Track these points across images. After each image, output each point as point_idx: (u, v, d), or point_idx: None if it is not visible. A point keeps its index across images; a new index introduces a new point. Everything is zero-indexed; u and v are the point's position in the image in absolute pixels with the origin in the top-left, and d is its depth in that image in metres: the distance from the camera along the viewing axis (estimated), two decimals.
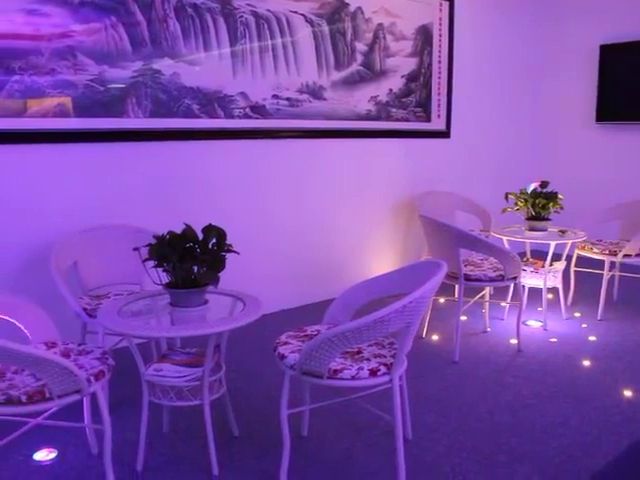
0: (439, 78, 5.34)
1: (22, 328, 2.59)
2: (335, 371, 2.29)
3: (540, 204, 4.26)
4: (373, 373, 2.31)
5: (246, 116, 4.21)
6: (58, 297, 3.04)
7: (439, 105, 5.37)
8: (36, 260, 3.43)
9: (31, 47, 3.34)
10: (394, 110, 5.06)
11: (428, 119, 5.32)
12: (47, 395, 2.16)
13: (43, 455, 2.67)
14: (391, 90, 5.01)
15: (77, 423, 2.61)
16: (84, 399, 2.51)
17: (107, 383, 2.40)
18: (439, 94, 5.34)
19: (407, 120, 5.16)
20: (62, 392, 2.18)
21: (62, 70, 3.45)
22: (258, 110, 4.27)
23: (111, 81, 3.63)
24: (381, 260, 5.22)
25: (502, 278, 3.74)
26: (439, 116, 5.39)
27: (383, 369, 2.33)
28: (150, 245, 2.49)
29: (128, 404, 3.05)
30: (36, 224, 3.49)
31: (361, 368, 2.31)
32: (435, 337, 4.09)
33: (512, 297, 4.36)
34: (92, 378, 2.25)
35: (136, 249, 2.59)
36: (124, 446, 2.70)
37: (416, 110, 5.22)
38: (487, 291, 4.32)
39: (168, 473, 2.54)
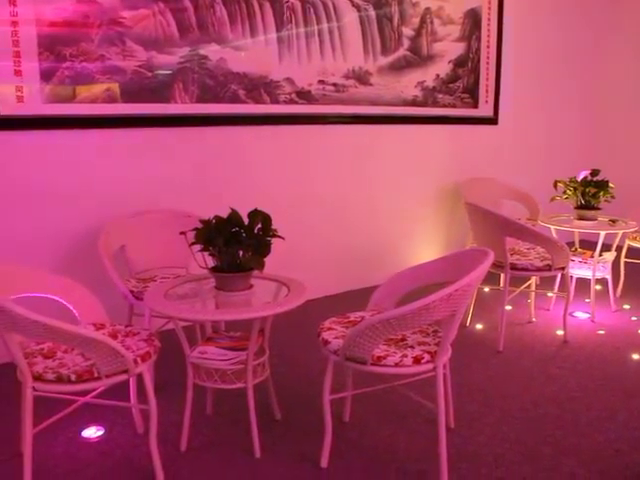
0: (487, 63, 5.23)
1: (72, 309, 2.65)
2: (379, 358, 2.28)
3: (590, 193, 4.15)
4: (417, 361, 2.30)
5: (292, 101, 4.21)
6: (106, 280, 3.10)
7: (487, 91, 5.26)
8: (85, 243, 3.51)
9: (81, 34, 3.40)
10: (441, 96, 4.99)
11: (475, 105, 5.23)
12: (95, 374, 2.21)
13: (91, 432, 2.74)
14: (438, 75, 4.94)
15: (124, 403, 2.67)
16: (130, 379, 2.57)
17: (153, 364, 2.44)
18: (487, 80, 5.24)
19: (454, 106, 5.08)
20: (110, 372, 2.23)
21: (111, 56, 3.50)
22: (304, 95, 4.26)
23: (159, 67, 3.66)
24: (425, 248, 5.18)
25: (549, 268, 3.67)
26: (487, 102, 5.29)
27: (427, 357, 2.31)
28: (196, 229, 2.52)
29: (173, 386, 3.10)
30: (85, 208, 3.57)
31: (405, 355, 2.30)
32: (479, 326, 4.05)
33: (559, 287, 4.27)
34: (139, 359, 2.29)
35: (183, 233, 2.62)
36: (169, 426, 2.75)
37: (463, 96, 5.13)
38: (533, 281, 4.24)
39: (211, 454, 2.58)
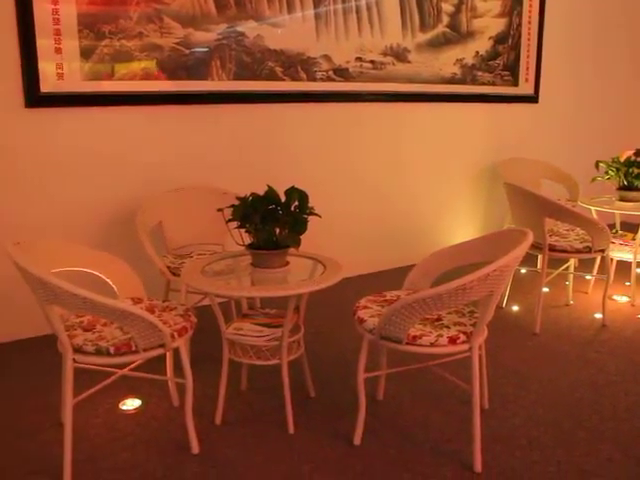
0: (529, 40, 5.11)
1: (110, 283, 2.69)
2: (414, 337, 2.27)
3: (633, 173, 4.05)
4: (452, 341, 2.28)
5: (329, 79, 4.18)
6: (143, 255, 3.13)
7: (527, 68, 5.15)
8: (123, 219, 3.55)
9: (120, 11, 3.41)
10: (480, 73, 4.90)
11: (515, 83, 5.12)
12: (133, 348, 2.25)
13: (128, 404, 2.80)
14: (478, 53, 4.85)
15: (160, 376, 2.71)
16: (167, 353, 2.61)
17: (189, 339, 2.47)
18: (528, 57, 5.12)
19: (493, 84, 4.98)
20: (147, 346, 2.27)
21: (149, 33, 3.51)
22: (341, 73, 4.22)
23: (196, 44, 3.66)
24: (461, 228, 5.13)
25: (589, 250, 3.60)
26: (527, 80, 5.17)
27: (463, 337, 2.30)
28: (233, 206, 2.52)
29: (208, 361, 3.14)
30: (123, 184, 3.61)
31: (440, 335, 2.28)
32: (515, 308, 4.00)
33: (598, 270, 4.19)
34: (175, 334, 2.32)
35: (220, 210, 2.63)
36: (204, 400, 2.79)
37: (503, 74, 5.03)
38: (572, 263, 4.16)
39: (245, 429, 2.61)
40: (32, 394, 2.89)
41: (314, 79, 4.12)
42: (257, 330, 2.54)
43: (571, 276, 4.15)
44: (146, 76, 3.56)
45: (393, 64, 4.43)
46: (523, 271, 4.61)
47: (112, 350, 2.22)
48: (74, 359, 2.25)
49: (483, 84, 4.93)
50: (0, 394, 2.90)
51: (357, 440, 2.49)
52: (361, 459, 2.40)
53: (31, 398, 2.85)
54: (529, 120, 5.32)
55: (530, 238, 2.31)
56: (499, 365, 3.18)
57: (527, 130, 5.33)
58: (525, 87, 5.19)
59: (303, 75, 4.08)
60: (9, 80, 3.20)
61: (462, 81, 4.81)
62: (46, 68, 3.26)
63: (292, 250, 2.58)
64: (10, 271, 2.31)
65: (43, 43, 3.23)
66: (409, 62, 4.50)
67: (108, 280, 2.68)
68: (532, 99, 5.26)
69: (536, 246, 3.63)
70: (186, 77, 3.67)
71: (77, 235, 3.45)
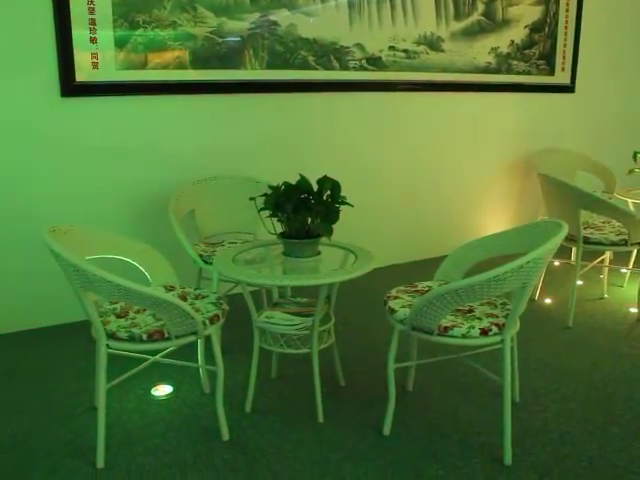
0: (566, 28, 5.01)
1: (143, 271, 2.72)
2: (445, 328, 2.26)
3: None
4: (484, 332, 2.26)
5: (362, 68, 4.15)
6: (176, 243, 3.16)
7: (564, 57, 5.05)
8: (157, 207, 3.58)
9: (154, 1, 3.43)
10: (515, 63, 4.82)
11: (551, 72, 5.02)
12: (165, 335, 2.28)
13: (160, 390, 2.83)
14: (513, 41, 4.77)
15: (192, 363, 2.74)
16: (199, 341, 2.63)
17: (220, 327, 2.49)
18: (565, 46, 5.02)
19: (529, 73, 4.90)
20: (179, 333, 2.29)
21: (183, 23, 3.53)
22: (374, 62, 4.19)
23: (229, 33, 3.67)
24: (494, 219, 5.07)
25: (625, 243, 3.53)
26: (563, 69, 5.08)
27: (495, 329, 2.28)
28: (265, 195, 2.53)
29: (239, 349, 3.17)
30: (156, 173, 3.64)
31: (472, 327, 2.27)
32: (548, 301, 3.95)
33: (634, 263, 4.11)
34: (207, 321, 2.34)
35: (252, 199, 2.64)
36: (234, 388, 2.82)
37: (539, 63, 4.94)
38: (607, 256, 4.09)
39: (275, 417, 2.62)
40: (66, 379, 2.95)
41: (347, 68, 4.10)
42: (288, 319, 2.55)
43: (606, 269, 4.08)
44: (179, 65, 3.57)
45: (427, 53, 4.39)
46: (557, 264, 4.55)
47: (145, 337, 2.25)
48: (108, 345, 2.28)
49: (518, 73, 4.85)
50: (35, 378, 2.96)
51: (386, 430, 2.49)
52: (390, 449, 2.40)
53: (65, 383, 2.91)
54: (565, 110, 5.23)
55: (565, 230, 2.27)
56: (531, 358, 3.15)
57: (562, 120, 5.24)
58: (561, 76, 5.09)
59: (336, 64, 4.06)
60: (46, 70, 3.25)
61: (497, 70, 4.74)
62: (81, 58, 3.30)
63: (324, 239, 2.58)
64: (46, 257, 2.35)
65: (79, 33, 3.26)
66: (443, 51, 4.46)
67: (141, 268, 2.71)
68: (568, 89, 5.16)
69: (570, 238, 3.57)
70: (219, 66, 3.68)
71: (111, 223, 3.50)
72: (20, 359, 3.15)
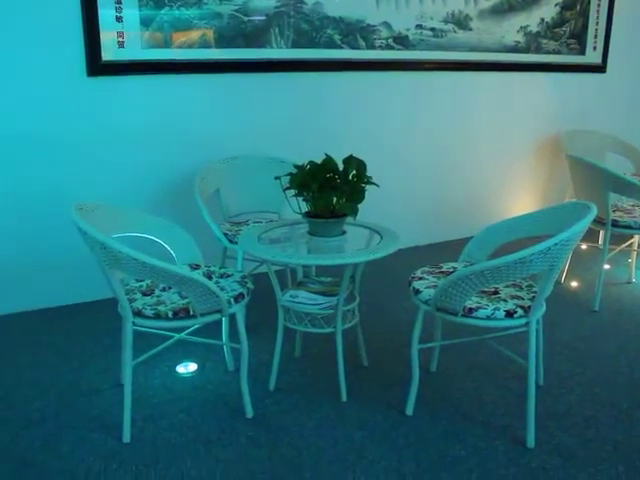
0: (598, 6, 4.87)
1: (169, 249, 2.74)
2: (470, 309, 2.25)
3: None
4: (509, 314, 2.24)
5: (388, 47, 4.10)
6: (200, 222, 3.18)
7: (596, 36, 4.94)
8: (182, 186, 3.60)
9: None
10: (545, 42, 4.72)
11: (582, 52, 4.91)
12: (191, 313, 2.29)
13: (185, 367, 2.86)
14: (543, 20, 4.67)
15: (216, 341, 2.76)
16: (223, 319, 2.65)
17: (245, 305, 2.50)
18: (597, 24, 4.91)
19: (558, 53, 4.80)
20: (204, 311, 2.31)
21: (208, 1, 3.51)
22: (401, 41, 4.14)
23: (255, 11, 3.64)
24: (521, 200, 5.02)
25: None
26: (595, 48, 4.97)
27: (520, 311, 2.26)
28: (291, 174, 2.52)
29: (263, 327, 3.19)
30: (181, 151, 3.65)
31: (497, 308, 2.25)
32: (574, 284, 3.91)
33: None
34: (232, 300, 2.36)
35: (277, 178, 2.64)
36: (258, 366, 2.84)
37: (569, 42, 4.84)
38: (636, 239, 4.02)
39: (298, 395, 2.64)
40: (93, 355, 2.99)
41: (373, 47, 4.05)
42: (312, 298, 2.56)
43: (634, 253, 4.02)
44: (205, 44, 3.56)
45: (454, 32, 4.32)
46: (584, 247, 4.49)
47: (170, 314, 2.27)
48: (134, 322, 2.30)
49: (547, 52, 4.75)
50: (63, 354, 3.01)
51: (409, 410, 2.49)
52: (413, 429, 2.41)
53: (92, 359, 2.95)
54: (595, 90, 5.12)
55: (594, 212, 2.23)
56: (556, 341, 3.12)
57: (593, 101, 5.14)
58: (592, 56, 4.97)
59: (362, 43, 4.01)
60: (72, 49, 3.26)
61: (526, 49, 4.65)
62: (108, 37, 3.30)
63: (349, 219, 2.58)
64: (73, 235, 2.37)
65: (105, 12, 3.26)
66: (471, 30, 4.38)
67: (166, 246, 2.73)
68: (599, 68, 5.05)
69: (598, 221, 3.52)
70: (244, 45, 3.66)
71: (137, 201, 3.51)
72: (49, 335, 3.21)
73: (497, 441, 2.34)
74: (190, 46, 3.53)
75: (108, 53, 3.32)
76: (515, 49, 4.60)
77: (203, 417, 2.49)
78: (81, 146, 3.41)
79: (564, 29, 4.79)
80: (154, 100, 3.53)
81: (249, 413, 2.49)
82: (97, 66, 3.31)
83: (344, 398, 2.60)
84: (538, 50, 4.71)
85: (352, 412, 2.52)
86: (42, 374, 2.82)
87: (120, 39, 3.34)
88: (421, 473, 2.16)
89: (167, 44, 3.47)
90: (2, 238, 3.34)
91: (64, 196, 3.33)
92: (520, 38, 4.61)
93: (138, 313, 2.30)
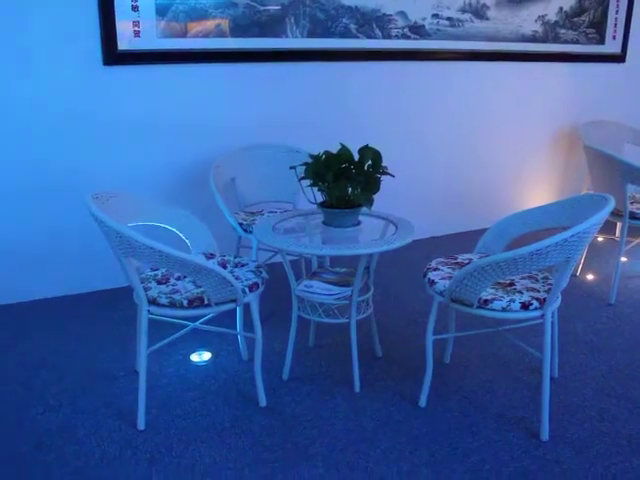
0: None
1: (184, 238, 2.75)
2: (485, 301, 2.24)
3: None
4: (525, 306, 2.23)
5: (404, 36, 4.08)
6: (215, 211, 3.19)
7: (615, 25, 4.87)
8: (197, 176, 3.61)
9: None
10: (563, 31, 4.66)
11: (601, 41, 4.85)
12: (205, 302, 2.30)
13: (199, 356, 2.88)
14: (561, 9, 4.61)
15: (230, 330, 2.77)
16: (238, 308, 2.66)
17: (259, 295, 2.51)
18: (617, 13, 4.84)
19: (577, 42, 4.74)
20: (219, 300, 2.31)
21: None
22: (417, 30, 4.11)
23: (270, 0, 3.63)
24: (536, 192, 4.98)
25: None
26: (614, 38, 4.89)
27: (536, 303, 2.24)
28: (306, 164, 2.52)
29: (277, 317, 3.20)
30: (197, 141, 3.65)
31: (512, 300, 2.24)
32: (590, 277, 3.88)
33: None
34: (247, 289, 2.36)
35: (292, 167, 2.63)
36: (272, 356, 2.84)
37: (588, 31, 4.77)
38: None
39: (312, 385, 2.65)
40: (109, 343, 3.01)
41: (389, 37, 4.03)
42: (327, 288, 2.56)
43: None
44: (220, 33, 3.56)
45: (471, 21, 4.28)
46: (600, 239, 4.45)
47: (185, 303, 2.28)
48: (149, 311, 2.32)
49: (566, 42, 4.69)
50: (80, 341, 3.04)
51: (422, 401, 2.49)
52: (426, 421, 2.41)
53: (108, 346, 2.98)
54: (614, 80, 5.06)
55: (612, 204, 2.21)
56: (571, 334, 3.10)
57: (611, 91, 5.07)
58: (612, 45, 4.90)
59: (378, 32, 3.99)
60: (88, 39, 3.26)
61: (543, 39, 4.59)
62: (123, 26, 3.31)
63: (364, 209, 2.57)
64: (90, 224, 2.39)
65: (121, 1, 3.26)
66: (488, 19, 4.34)
67: (182, 235, 2.74)
68: (619, 58, 4.98)
69: (616, 213, 3.48)
70: (260, 35, 3.65)
71: (152, 191, 3.53)
72: (67, 322, 3.24)
73: (510, 433, 2.33)
74: (205, 35, 3.53)
75: (124, 42, 3.32)
76: (533, 39, 4.55)
77: (217, 405, 2.50)
78: (97, 135, 3.42)
79: (583, 18, 4.72)
80: (170, 90, 3.54)
81: (262, 402, 2.50)
82: (113, 55, 3.32)
83: (357, 388, 2.61)
84: (556, 40, 4.65)
85: (365, 402, 2.53)
86: (60, 360, 2.85)
87: (136, 28, 3.34)
88: (434, 464, 2.17)
89: (183, 34, 3.47)
90: (22, 227, 3.37)
91: (81, 185, 3.35)
92: (538, 28, 4.55)
93: (153, 301, 2.31)
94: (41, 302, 3.47)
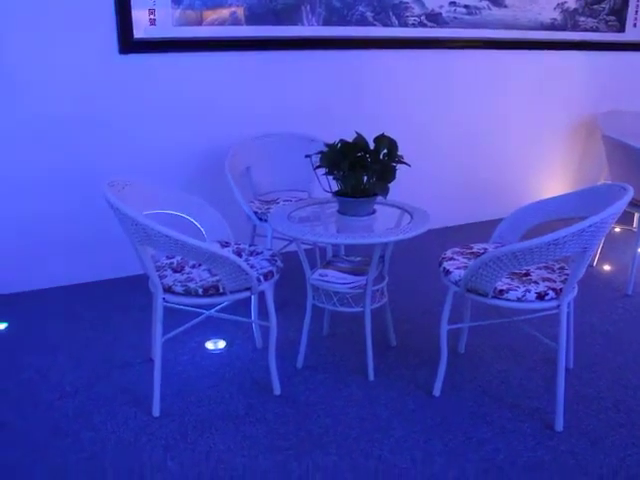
0: None
1: (199, 226, 2.76)
2: (501, 291, 2.23)
3: None
4: (540, 297, 2.22)
5: (421, 24, 4.04)
6: (230, 200, 3.19)
7: (637, 12, 4.79)
8: (212, 164, 3.61)
9: None
10: (583, 19, 4.60)
11: (622, 29, 4.78)
12: (220, 290, 2.31)
13: (214, 344, 2.90)
14: None
15: (245, 318, 2.78)
16: (252, 297, 2.66)
17: (274, 284, 2.51)
18: (639, 0, 4.77)
19: (596, 30, 4.68)
20: (234, 288, 2.32)
21: None
22: (434, 18, 4.07)
23: None
24: (553, 182, 4.94)
25: None
26: (635, 25, 4.82)
27: (551, 294, 2.23)
28: (322, 152, 2.51)
29: (291, 306, 3.20)
30: (212, 130, 3.66)
31: (528, 290, 2.22)
32: (607, 267, 3.85)
33: None
34: (262, 277, 2.36)
35: (308, 156, 2.63)
36: (286, 344, 2.85)
37: (608, 19, 4.71)
38: None
39: (326, 374, 2.65)
40: (125, 331, 3.04)
41: (405, 24, 3.99)
42: (341, 277, 2.56)
43: None
44: (236, 21, 3.55)
45: (489, 9, 4.23)
46: (617, 229, 4.41)
47: (200, 291, 2.29)
48: (164, 299, 2.33)
49: (585, 30, 4.63)
50: (96, 329, 3.06)
51: (436, 391, 2.49)
52: (440, 410, 2.41)
53: (124, 334, 3.00)
54: (634, 69, 4.99)
55: (630, 194, 2.19)
56: (587, 325, 3.08)
57: (631, 80, 5.01)
58: (633, 33, 4.81)
59: (394, 20, 3.96)
60: (104, 27, 3.27)
61: (562, 27, 4.53)
62: (140, 14, 3.31)
63: (379, 198, 2.56)
64: (106, 212, 2.40)
65: None
66: (505, 7, 4.29)
67: (197, 223, 2.75)
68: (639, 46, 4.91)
69: (634, 203, 3.44)
70: (275, 23, 3.64)
71: (168, 179, 3.54)
72: (83, 309, 3.26)
73: (525, 424, 2.32)
74: (221, 24, 3.52)
75: (140, 31, 3.32)
76: (551, 27, 4.49)
77: (231, 393, 2.52)
78: (112, 123, 3.43)
79: (603, 5, 4.65)
80: (185, 78, 3.54)
81: (277, 390, 2.51)
82: (129, 44, 3.32)
83: (371, 377, 2.61)
84: (575, 28, 4.59)
85: (379, 391, 2.53)
86: (76, 347, 2.88)
87: (151, 17, 3.34)
88: (447, 453, 2.17)
89: (198, 22, 3.46)
90: (39, 216, 3.40)
91: (97, 173, 3.37)
92: (557, 15, 4.49)
93: (168, 289, 2.32)
94: (57, 290, 3.50)
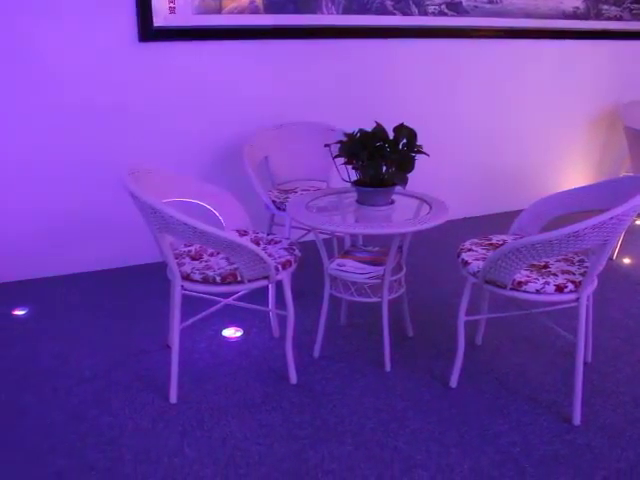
0: None
1: (217, 215, 2.76)
2: (519, 283, 2.21)
3: None
4: (559, 289, 2.20)
5: (441, 13, 4.00)
6: (249, 189, 3.20)
7: None
8: (231, 153, 3.62)
9: None
10: (606, 7, 4.53)
11: None
12: (238, 278, 2.31)
13: (231, 332, 2.91)
14: None
15: (262, 307, 2.79)
16: (270, 286, 2.67)
17: (292, 273, 2.51)
18: None
19: (620, 19, 4.61)
20: (252, 277, 2.32)
21: None
22: (454, 7, 4.03)
23: None
24: (573, 173, 4.89)
25: None
26: None
27: (571, 286, 2.21)
28: (341, 142, 2.50)
29: (309, 295, 3.20)
30: (231, 119, 3.66)
31: (547, 283, 2.21)
32: (627, 260, 3.81)
33: None
34: (279, 266, 2.37)
35: (327, 145, 2.62)
36: (303, 333, 2.86)
37: (633, 7, 4.62)
38: None
39: (343, 363, 2.66)
40: (143, 318, 3.06)
41: (425, 13, 3.96)
42: (359, 267, 2.55)
43: None
44: (255, 10, 3.54)
45: None
46: (638, 222, 4.36)
47: (218, 279, 2.30)
48: (182, 286, 2.34)
49: (608, 19, 4.56)
50: (115, 315, 3.09)
51: (453, 383, 2.49)
52: (456, 402, 2.40)
53: (142, 321, 3.02)
54: None
55: None
56: (606, 318, 3.06)
57: None
58: None
59: (414, 9, 3.92)
60: (124, 15, 3.27)
61: (585, 16, 4.47)
62: (159, 3, 3.30)
63: (398, 189, 2.55)
64: (125, 200, 2.41)
65: None
66: None
67: (215, 212, 2.75)
68: None
69: None
70: (294, 11, 3.62)
71: (187, 167, 3.55)
72: (102, 296, 3.29)
73: (542, 417, 2.31)
74: (240, 12, 3.51)
75: (159, 19, 3.33)
76: (574, 15, 4.43)
77: (248, 382, 2.53)
78: (132, 111, 3.44)
79: None
80: (204, 66, 3.54)
81: (293, 379, 2.51)
82: (149, 32, 3.33)
83: (388, 368, 2.61)
84: (598, 16, 4.52)
85: (396, 382, 2.53)
86: (95, 334, 2.91)
87: (171, 5, 3.34)
88: (463, 445, 2.16)
89: (217, 10, 3.46)
90: (57, 202, 3.43)
91: (115, 160, 3.39)
92: (579, 4, 4.43)
93: (186, 277, 2.33)
94: (75, 276, 3.54)
